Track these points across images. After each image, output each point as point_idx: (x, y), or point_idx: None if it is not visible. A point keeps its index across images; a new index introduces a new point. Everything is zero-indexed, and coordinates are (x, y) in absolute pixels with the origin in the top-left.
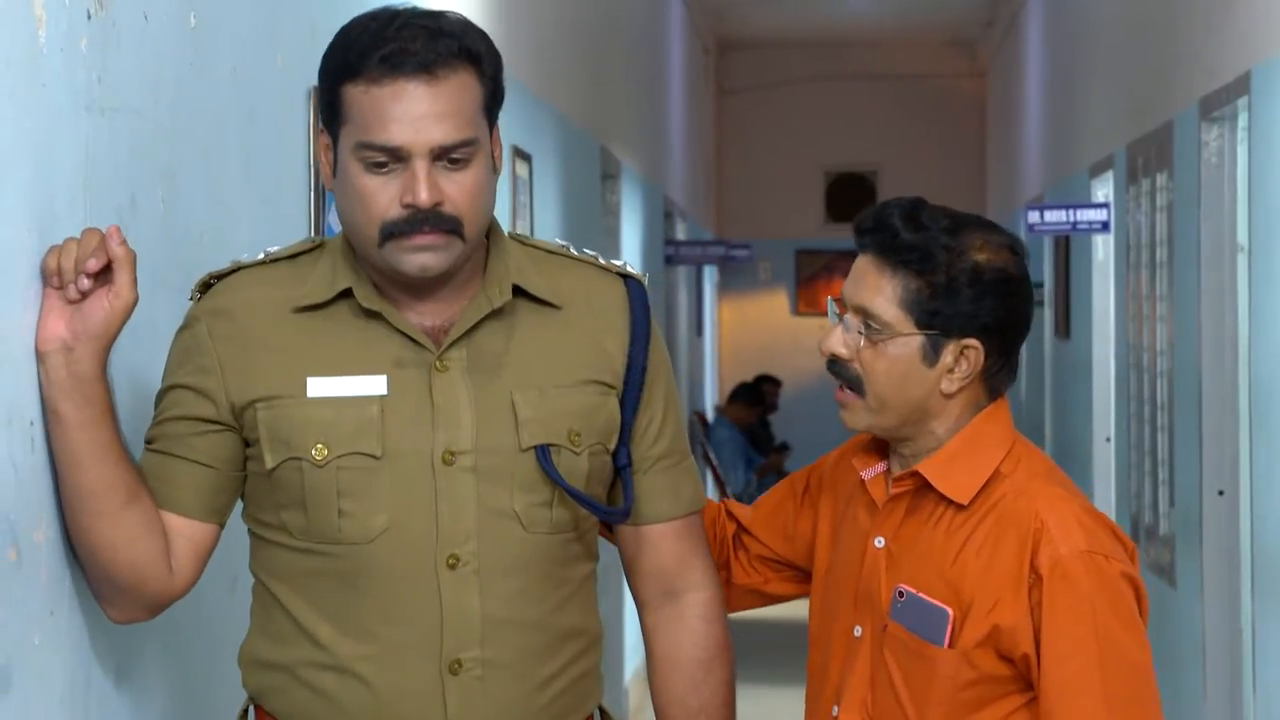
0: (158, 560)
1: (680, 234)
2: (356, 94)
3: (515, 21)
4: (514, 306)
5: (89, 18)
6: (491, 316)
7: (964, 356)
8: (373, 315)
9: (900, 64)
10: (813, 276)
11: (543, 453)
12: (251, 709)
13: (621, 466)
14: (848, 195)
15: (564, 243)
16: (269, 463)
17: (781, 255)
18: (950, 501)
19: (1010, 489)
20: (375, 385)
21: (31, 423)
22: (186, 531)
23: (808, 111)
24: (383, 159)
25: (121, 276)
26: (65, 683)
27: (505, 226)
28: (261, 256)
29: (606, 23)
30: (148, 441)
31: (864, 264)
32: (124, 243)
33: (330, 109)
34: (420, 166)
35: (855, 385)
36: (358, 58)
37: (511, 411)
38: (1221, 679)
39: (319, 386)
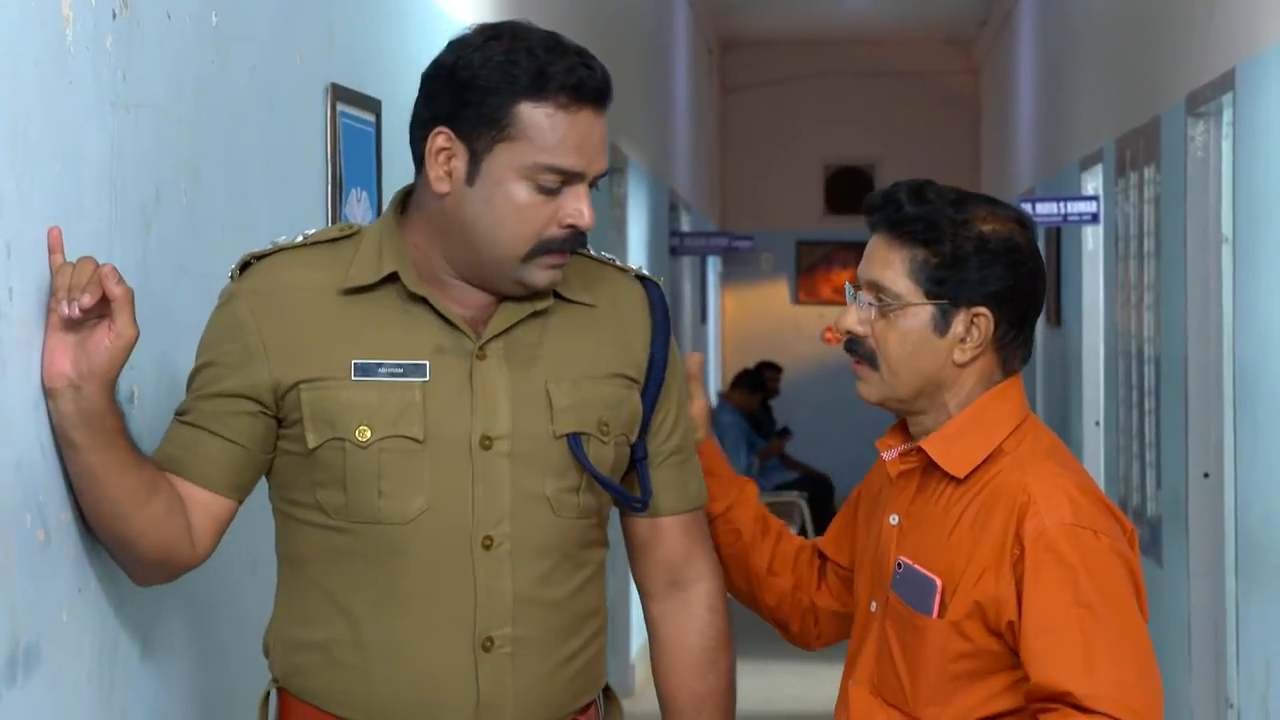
0: (182, 538)
1: (685, 225)
2: (539, 115)
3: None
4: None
5: (114, 17)
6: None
7: (974, 325)
8: (416, 300)
9: (897, 61)
10: (812, 267)
11: (575, 440)
12: (274, 692)
13: (639, 459)
14: (847, 188)
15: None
16: (311, 442)
17: (782, 246)
18: (952, 476)
19: (1009, 464)
20: (418, 370)
21: None
22: (209, 505)
23: (808, 107)
24: (557, 183)
25: (122, 316)
26: (93, 658)
27: None
28: (300, 239)
29: (614, 23)
30: (180, 413)
31: (874, 242)
32: (121, 281)
33: (488, 120)
34: (585, 192)
35: (870, 359)
36: (542, 79)
37: (546, 400)
38: (1206, 655)
39: (363, 369)
